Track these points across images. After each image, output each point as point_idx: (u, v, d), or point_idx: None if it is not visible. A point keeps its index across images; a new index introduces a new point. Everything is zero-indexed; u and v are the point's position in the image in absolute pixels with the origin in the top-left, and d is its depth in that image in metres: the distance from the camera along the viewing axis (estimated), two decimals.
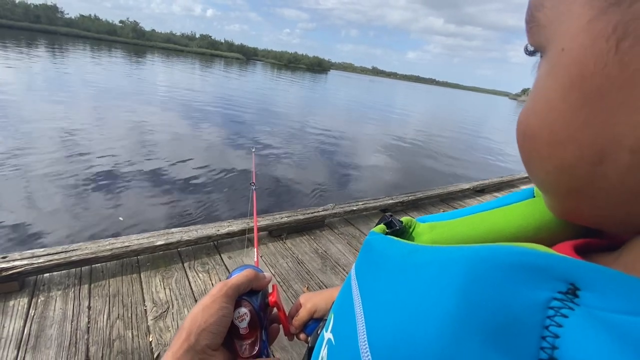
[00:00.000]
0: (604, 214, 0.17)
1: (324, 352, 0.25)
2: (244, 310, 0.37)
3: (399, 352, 0.16)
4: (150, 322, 1.42)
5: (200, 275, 1.75)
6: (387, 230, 0.30)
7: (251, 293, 0.39)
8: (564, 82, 0.16)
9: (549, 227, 0.25)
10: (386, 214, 0.32)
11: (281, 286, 1.78)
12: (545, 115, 0.17)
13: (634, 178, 0.14)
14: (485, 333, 0.13)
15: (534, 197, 0.27)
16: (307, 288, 1.80)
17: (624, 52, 0.13)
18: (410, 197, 3.19)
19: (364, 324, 0.20)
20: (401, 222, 0.31)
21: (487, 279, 0.15)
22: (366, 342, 0.18)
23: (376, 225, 0.31)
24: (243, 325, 0.36)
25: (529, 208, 0.26)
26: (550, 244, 0.21)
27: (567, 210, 0.19)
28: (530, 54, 0.19)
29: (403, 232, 0.31)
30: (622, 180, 0.14)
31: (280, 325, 0.45)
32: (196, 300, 1.57)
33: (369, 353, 0.17)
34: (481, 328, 0.14)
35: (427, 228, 0.31)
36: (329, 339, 0.24)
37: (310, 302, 0.47)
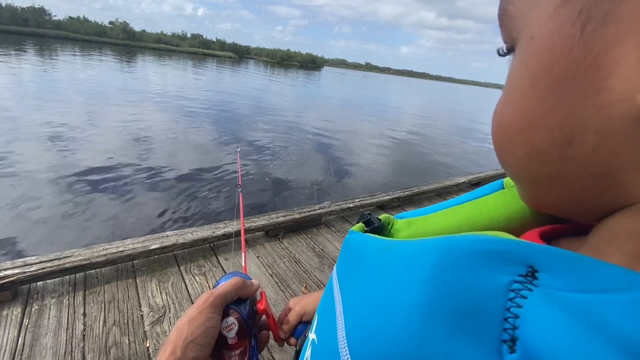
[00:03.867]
0: (573, 200, 0.17)
1: (308, 352, 0.25)
2: (231, 319, 0.36)
3: (373, 345, 0.16)
4: (147, 328, 1.41)
5: (197, 278, 1.74)
6: (366, 229, 0.30)
7: (239, 301, 0.39)
8: (534, 68, 0.16)
9: (519, 217, 0.26)
10: (365, 212, 0.33)
11: (279, 286, 1.77)
12: (517, 103, 0.17)
13: (599, 159, 0.14)
14: (452, 319, 0.14)
15: (504, 188, 0.29)
16: (305, 287, 1.80)
17: (588, 36, 0.14)
18: (406, 193, 3.19)
19: (342, 320, 0.20)
20: (379, 219, 0.31)
21: (452, 266, 0.15)
22: (344, 338, 0.18)
23: (356, 224, 0.31)
24: (231, 335, 0.36)
25: (499, 199, 0.28)
26: (521, 233, 0.23)
27: (538, 199, 0.20)
28: (503, 55, 0.20)
29: (382, 229, 0.31)
30: (589, 162, 0.15)
31: (270, 332, 0.44)
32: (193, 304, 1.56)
33: (347, 349, 0.18)
34: (448, 314, 0.14)
35: (405, 224, 0.31)
36: (313, 339, 0.25)
37: (299, 305, 0.47)
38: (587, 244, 0.17)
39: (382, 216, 0.32)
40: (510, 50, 0.19)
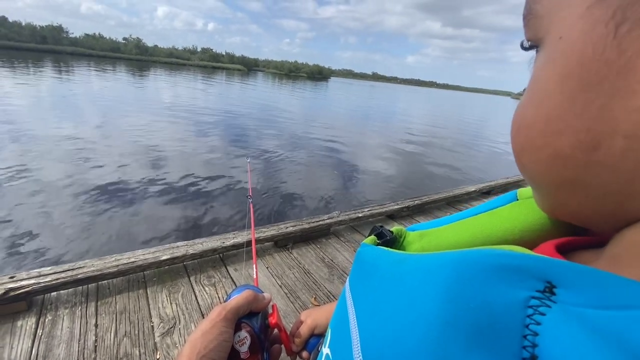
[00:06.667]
0: (595, 207, 0.17)
1: None
2: (244, 333, 0.36)
3: None
4: (157, 339, 1.41)
5: (207, 289, 1.74)
6: (378, 241, 0.30)
7: (251, 315, 0.39)
8: (561, 70, 0.16)
9: (534, 229, 0.25)
10: (376, 224, 0.33)
11: (288, 297, 1.76)
12: (541, 105, 0.17)
13: (627, 165, 0.14)
14: (469, 335, 0.14)
15: (517, 200, 0.28)
16: (315, 299, 1.78)
17: (622, 37, 0.13)
18: (416, 202, 3.16)
19: (357, 335, 0.20)
20: (391, 232, 0.31)
21: (469, 282, 0.15)
22: (360, 354, 0.18)
23: (367, 236, 0.31)
24: (244, 349, 0.35)
25: (513, 211, 0.27)
26: (535, 245, 0.22)
27: (558, 205, 0.19)
28: (527, 49, 0.19)
29: (394, 241, 0.31)
30: (616, 167, 0.14)
31: (283, 345, 0.44)
32: (203, 315, 1.56)
33: None
34: (465, 330, 0.14)
35: (417, 236, 0.31)
36: (327, 354, 0.24)
37: (311, 318, 0.46)
38: (606, 254, 0.17)
39: (394, 228, 0.32)
40: (533, 46, 0.19)
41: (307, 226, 2.34)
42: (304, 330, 0.46)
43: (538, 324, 0.13)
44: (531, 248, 0.20)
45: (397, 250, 0.25)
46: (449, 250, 0.20)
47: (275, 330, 0.44)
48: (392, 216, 2.95)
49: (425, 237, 0.31)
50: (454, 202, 3.56)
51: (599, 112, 0.14)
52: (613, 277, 0.13)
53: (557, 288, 0.13)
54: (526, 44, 0.19)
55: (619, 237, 0.16)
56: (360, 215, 2.70)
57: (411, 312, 0.17)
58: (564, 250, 0.20)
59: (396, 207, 2.98)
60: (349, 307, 0.24)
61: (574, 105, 0.15)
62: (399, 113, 21.45)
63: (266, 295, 0.42)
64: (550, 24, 0.17)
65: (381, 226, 0.32)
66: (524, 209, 0.26)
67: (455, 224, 0.30)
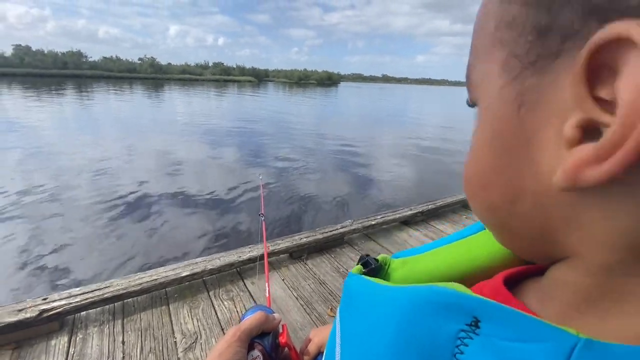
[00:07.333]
0: (526, 248, 0.20)
1: None
2: (256, 352, 0.40)
3: None
4: (180, 354, 1.46)
5: (226, 303, 1.79)
6: (364, 270, 0.32)
7: (262, 335, 0.42)
8: (487, 134, 0.19)
9: (498, 257, 0.28)
10: (363, 254, 0.34)
11: (304, 309, 1.78)
12: (476, 163, 0.20)
13: (537, 218, 0.17)
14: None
15: (485, 229, 0.30)
16: (331, 310, 1.80)
17: (522, 117, 0.16)
18: (430, 206, 3.13)
19: (339, 358, 0.23)
20: (377, 260, 0.33)
21: (416, 315, 0.18)
22: None
23: (356, 265, 0.33)
24: None
25: (481, 239, 0.30)
26: (500, 270, 0.25)
27: (503, 244, 0.22)
28: (471, 106, 0.22)
29: (380, 269, 0.33)
30: (529, 219, 0.17)
31: None
32: (223, 330, 1.60)
33: None
34: (414, 356, 0.17)
35: (400, 264, 0.33)
36: None
37: (318, 336, 0.49)
38: (541, 285, 0.20)
39: (380, 256, 0.34)
40: (475, 105, 0.21)
41: (320, 236, 2.37)
42: (311, 348, 0.48)
43: (461, 353, 0.15)
44: (496, 273, 0.24)
45: (376, 280, 0.27)
46: (426, 278, 0.25)
47: (286, 349, 0.47)
48: (407, 222, 2.93)
49: (406, 265, 0.33)
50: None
51: (514, 172, 0.17)
52: (521, 314, 0.15)
53: (481, 322, 0.16)
54: (470, 103, 0.22)
55: (548, 272, 0.19)
56: (373, 222, 2.70)
57: (375, 341, 0.20)
58: (517, 279, 0.23)
59: (410, 212, 2.96)
60: (337, 333, 0.26)
61: (498, 165, 0.18)
62: (410, 115, 21.25)
63: (276, 315, 0.46)
64: (480, 92, 0.19)
65: (367, 255, 0.34)
66: (490, 238, 0.29)
67: (433, 252, 0.33)
